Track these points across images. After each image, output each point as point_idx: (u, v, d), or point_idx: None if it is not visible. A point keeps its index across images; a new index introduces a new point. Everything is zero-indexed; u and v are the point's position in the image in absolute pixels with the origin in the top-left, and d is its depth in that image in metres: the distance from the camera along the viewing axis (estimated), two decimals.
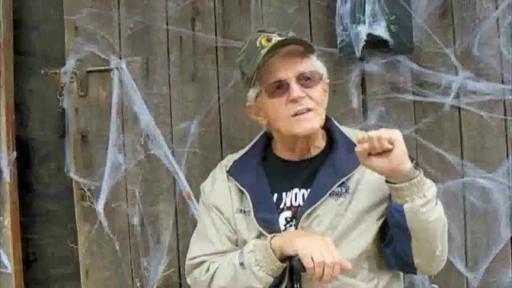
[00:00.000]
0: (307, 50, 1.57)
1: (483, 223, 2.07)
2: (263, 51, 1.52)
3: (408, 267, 1.57)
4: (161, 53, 2.14)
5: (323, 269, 1.41)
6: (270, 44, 1.53)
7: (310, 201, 1.56)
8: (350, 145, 1.57)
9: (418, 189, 1.44)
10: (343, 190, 1.56)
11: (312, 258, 1.42)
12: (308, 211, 1.55)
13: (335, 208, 1.55)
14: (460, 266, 2.08)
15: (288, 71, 1.54)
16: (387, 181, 1.48)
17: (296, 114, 1.54)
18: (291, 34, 1.61)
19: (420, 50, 2.08)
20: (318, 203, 1.54)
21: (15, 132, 2.20)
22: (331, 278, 1.43)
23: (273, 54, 1.53)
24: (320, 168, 1.59)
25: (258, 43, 1.55)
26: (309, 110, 1.54)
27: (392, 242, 1.55)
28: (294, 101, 1.53)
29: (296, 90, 1.52)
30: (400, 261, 1.56)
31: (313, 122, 1.55)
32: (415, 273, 1.61)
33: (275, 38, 1.55)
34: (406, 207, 1.44)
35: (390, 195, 1.51)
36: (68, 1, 2.13)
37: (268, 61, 1.53)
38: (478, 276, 2.08)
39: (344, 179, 1.56)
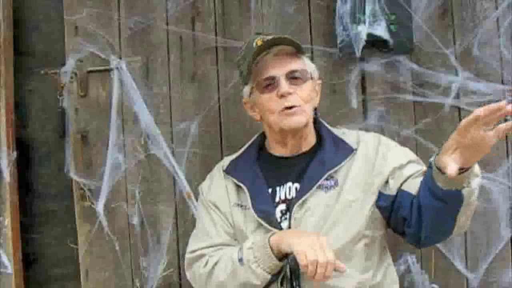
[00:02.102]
0: (298, 50, 1.66)
1: (483, 223, 2.07)
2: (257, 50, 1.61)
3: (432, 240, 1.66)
4: (161, 53, 2.14)
5: (316, 267, 1.44)
6: (263, 42, 1.61)
7: (301, 193, 1.62)
8: (337, 141, 1.69)
9: (473, 171, 1.43)
10: (332, 183, 1.63)
11: (306, 256, 1.45)
12: (299, 202, 1.60)
13: (326, 200, 1.62)
14: (460, 266, 2.08)
15: (278, 68, 1.62)
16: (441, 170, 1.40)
17: (284, 109, 1.61)
18: (287, 36, 1.68)
19: (420, 50, 2.08)
20: (308, 194, 1.61)
21: (15, 132, 2.20)
22: (324, 277, 1.45)
23: (266, 53, 1.62)
24: (310, 163, 1.66)
25: (254, 44, 1.64)
26: (295, 106, 1.61)
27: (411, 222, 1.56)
28: (283, 96, 1.61)
29: (284, 86, 1.61)
30: (415, 236, 1.59)
31: (299, 117, 1.62)
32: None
33: (269, 39, 1.63)
34: (464, 191, 1.43)
35: (387, 181, 1.60)
36: (68, 1, 2.13)
37: (261, 59, 1.62)
38: (478, 276, 2.08)
39: (331, 171, 1.63)
